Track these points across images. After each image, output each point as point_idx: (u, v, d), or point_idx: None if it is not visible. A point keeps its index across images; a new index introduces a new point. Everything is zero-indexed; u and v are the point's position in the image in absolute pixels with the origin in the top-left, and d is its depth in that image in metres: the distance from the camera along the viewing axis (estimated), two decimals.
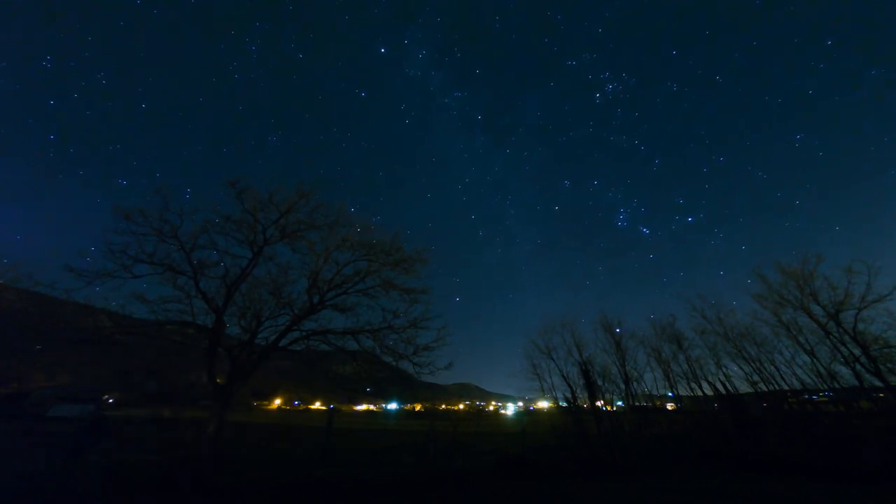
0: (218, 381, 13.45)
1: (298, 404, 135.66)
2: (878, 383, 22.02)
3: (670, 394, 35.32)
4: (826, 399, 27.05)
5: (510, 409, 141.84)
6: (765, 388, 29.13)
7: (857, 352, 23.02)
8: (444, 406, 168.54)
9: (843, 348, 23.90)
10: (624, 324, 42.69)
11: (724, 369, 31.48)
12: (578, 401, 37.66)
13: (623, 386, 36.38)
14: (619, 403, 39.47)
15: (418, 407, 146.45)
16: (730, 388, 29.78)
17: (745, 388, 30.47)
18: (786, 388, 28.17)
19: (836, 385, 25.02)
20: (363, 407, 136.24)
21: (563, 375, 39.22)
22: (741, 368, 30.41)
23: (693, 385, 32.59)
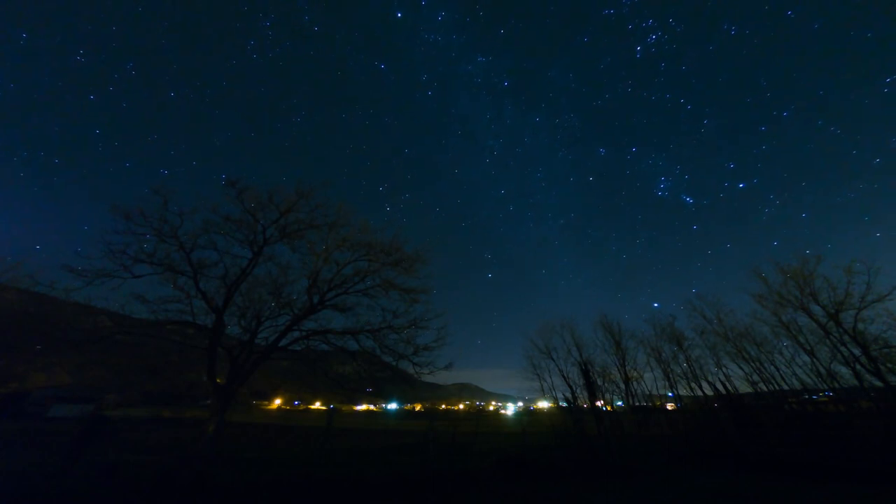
0: (218, 381, 13.45)
1: (298, 404, 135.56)
2: (878, 383, 22.03)
3: (670, 394, 35.33)
4: (826, 399, 27.05)
5: (510, 409, 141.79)
6: (765, 388, 29.15)
7: (857, 352, 23.03)
8: (444, 406, 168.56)
9: (843, 348, 23.91)
10: (624, 323, 42.67)
11: (724, 369, 31.53)
12: (578, 401, 37.80)
13: (623, 386, 36.41)
14: (619, 403, 39.49)
15: (418, 407, 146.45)
16: (730, 388, 29.79)
17: (745, 388, 30.52)
18: (786, 388, 28.19)
19: (836, 385, 25.02)
20: (363, 407, 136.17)
21: (563, 375, 39.38)
22: (741, 368, 30.46)
23: (693, 385, 32.61)
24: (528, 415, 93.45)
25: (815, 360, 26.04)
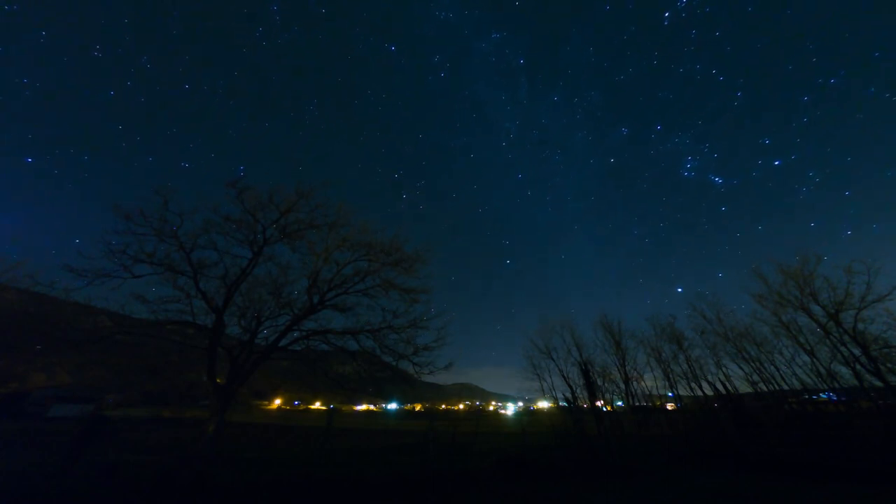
0: (218, 381, 13.46)
1: (298, 404, 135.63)
2: (877, 383, 22.04)
3: (670, 394, 35.35)
4: (826, 399, 27.07)
5: (510, 409, 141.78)
6: (765, 388, 29.16)
7: (857, 352, 23.05)
8: (444, 406, 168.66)
9: (843, 348, 23.92)
10: (625, 322, 42.60)
11: (724, 369, 31.55)
12: (578, 401, 37.80)
13: (623, 386, 36.41)
14: (619, 403, 39.50)
15: (418, 407, 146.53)
16: (730, 388, 29.80)
17: (745, 388, 30.55)
18: (786, 388, 28.20)
19: (836, 385, 25.03)
20: (363, 407, 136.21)
21: (563, 375, 39.39)
22: (741, 368, 30.49)
23: (693, 385, 32.63)
24: (528, 415, 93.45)
25: (815, 360, 26.06)
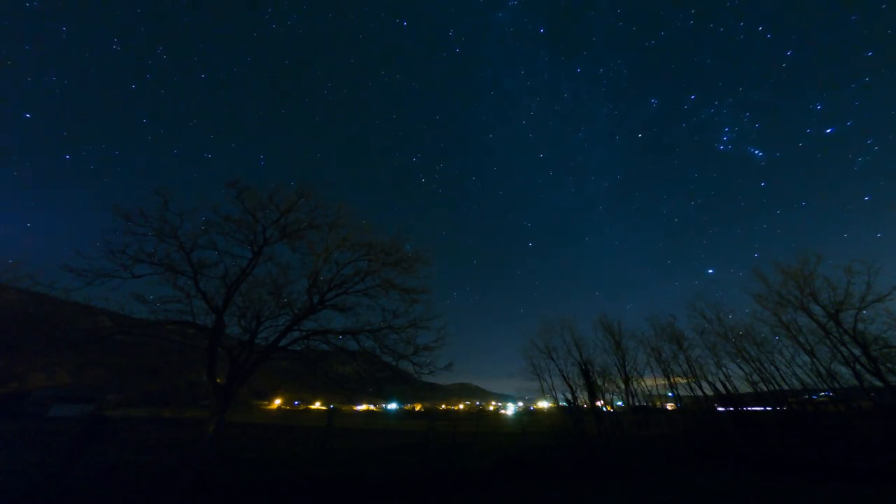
0: (218, 381, 13.46)
1: (298, 404, 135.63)
2: (878, 383, 22.05)
3: (670, 394, 35.34)
4: (826, 399, 27.06)
5: (510, 409, 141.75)
6: (765, 388, 29.16)
7: (857, 352, 23.06)
8: (444, 406, 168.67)
9: (843, 348, 23.93)
10: (625, 322, 42.52)
11: (724, 369, 31.55)
12: (578, 401, 37.80)
13: (623, 386, 36.40)
14: (619, 403, 39.50)
15: (418, 407, 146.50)
16: (730, 388, 29.80)
17: (745, 388, 30.55)
18: (786, 388, 28.21)
19: (836, 385, 25.04)
20: (363, 407, 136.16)
21: (563, 375, 39.41)
22: (741, 368, 30.51)
23: (693, 385, 32.62)
24: (528, 415, 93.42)
25: (815, 360, 26.07)
